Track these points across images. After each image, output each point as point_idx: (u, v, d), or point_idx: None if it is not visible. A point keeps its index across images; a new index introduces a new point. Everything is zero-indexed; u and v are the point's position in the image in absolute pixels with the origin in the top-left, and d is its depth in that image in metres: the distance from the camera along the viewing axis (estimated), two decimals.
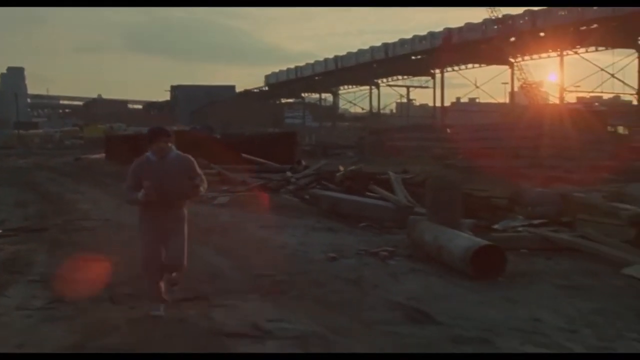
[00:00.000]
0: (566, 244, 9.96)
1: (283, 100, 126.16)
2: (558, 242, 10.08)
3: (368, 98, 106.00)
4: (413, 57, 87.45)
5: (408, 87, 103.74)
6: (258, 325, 6.33)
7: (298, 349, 5.66)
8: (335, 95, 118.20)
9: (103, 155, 42.36)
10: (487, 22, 73.52)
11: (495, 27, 72.13)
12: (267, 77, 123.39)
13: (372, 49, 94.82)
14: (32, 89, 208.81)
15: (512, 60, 76.35)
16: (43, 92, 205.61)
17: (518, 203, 13.50)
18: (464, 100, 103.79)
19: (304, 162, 22.60)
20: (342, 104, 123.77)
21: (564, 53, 71.09)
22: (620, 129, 44.80)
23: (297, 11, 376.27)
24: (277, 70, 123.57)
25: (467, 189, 15.17)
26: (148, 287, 6.77)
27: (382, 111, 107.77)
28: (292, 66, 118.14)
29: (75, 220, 13.90)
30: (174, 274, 6.82)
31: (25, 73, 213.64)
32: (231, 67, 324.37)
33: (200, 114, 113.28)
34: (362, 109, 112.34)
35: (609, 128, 43.79)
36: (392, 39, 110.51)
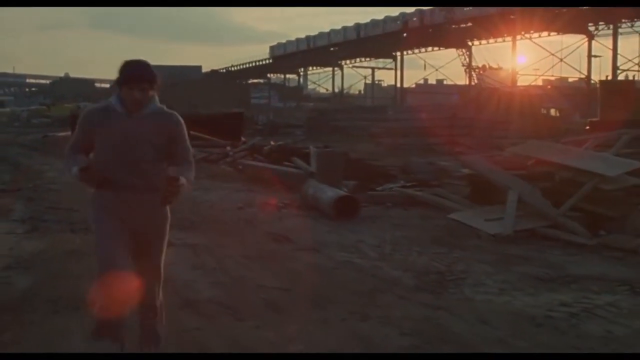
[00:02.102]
0: (419, 198, 13.19)
1: (250, 81, 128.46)
2: (413, 197, 13.31)
3: (335, 78, 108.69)
4: (378, 40, 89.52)
5: (373, 69, 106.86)
6: (170, 241, 9.48)
7: (191, 253, 8.80)
8: (302, 76, 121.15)
9: (69, 132, 45.10)
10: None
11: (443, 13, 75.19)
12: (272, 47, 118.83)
13: (345, 29, 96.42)
14: None
15: (470, 44, 79.61)
16: (9, 70, 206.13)
17: (406, 172, 16.77)
18: (431, 81, 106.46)
19: (243, 139, 25.66)
20: (310, 85, 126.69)
21: (517, 38, 74.49)
22: (552, 111, 48.32)
23: None
24: (242, 50, 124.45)
25: (369, 160, 18.44)
26: (98, 311, 4.28)
27: (350, 92, 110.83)
28: (274, 43, 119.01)
29: (43, 184, 16.90)
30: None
31: None
32: (198, 46, 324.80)
33: (167, 93, 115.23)
34: (326, 89, 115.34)
35: (542, 110, 47.44)
36: (363, 19, 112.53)
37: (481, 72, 74.72)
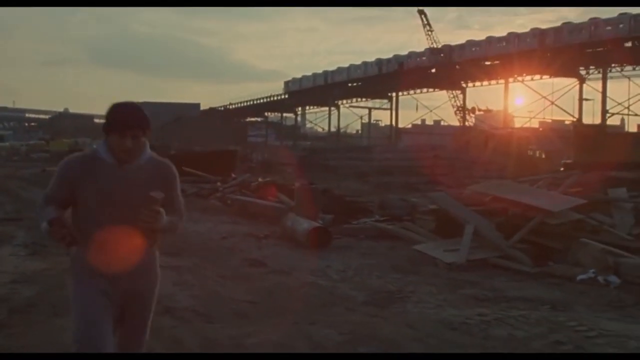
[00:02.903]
0: (388, 231, 14.38)
1: (248, 119, 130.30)
2: (384, 230, 14.49)
3: (332, 117, 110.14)
4: (373, 81, 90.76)
5: (370, 109, 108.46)
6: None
7: (174, 273, 9.95)
8: (299, 115, 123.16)
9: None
10: (431, 50, 78.20)
11: (442, 55, 76.95)
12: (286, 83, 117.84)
13: (349, 68, 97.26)
14: None
15: (464, 85, 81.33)
16: (9, 104, 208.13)
17: (382, 207, 17.96)
18: (429, 122, 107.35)
19: (233, 175, 26.90)
20: (308, 124, 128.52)
21: (509, 80, 76.19)
22: (538, 153, 49.78)
23: (265, 28, 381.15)
24: (241, 88, 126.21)
25: (351, 197, 19.67)
26: None
27: (347, 131, 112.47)
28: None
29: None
30: None
31: None
32: (198, 83, 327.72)
33: (165, 131, 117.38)
34: (322, 129, 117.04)
35: (529, 152, 48.90)
36: (356, 60, 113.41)
37: (471, 114, 76.33)
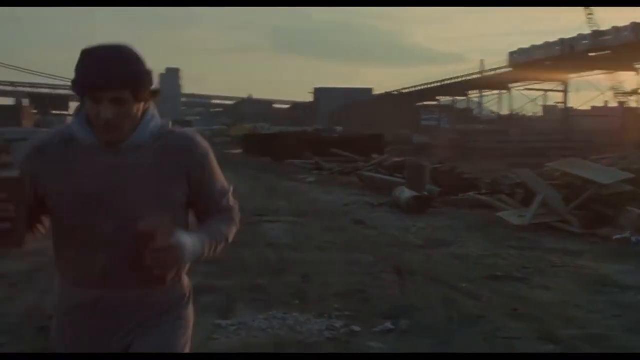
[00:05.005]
0: (484, 202, 17.01)
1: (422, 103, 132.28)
2: (481, 201, 17.14)
3: (509, 100, 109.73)
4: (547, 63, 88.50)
5: (545, 91, 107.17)
6: (279, 220, 14.01)
7: (289, 226, 13.23)
8: (473, 98, 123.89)
9: (241, 150, 51.74)
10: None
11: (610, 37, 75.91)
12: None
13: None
14: (187, 89, 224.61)
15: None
16: (197, 91, 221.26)
17: (492, 183, 20.53)
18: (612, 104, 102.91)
19: (374, 156, 30.04)
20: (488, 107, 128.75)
21: None
22: None
23: (435, 12, 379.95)
24: (416, 71, 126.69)
25: (468, 174, 22.31)
26: None
27: (525, 114, 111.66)
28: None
29: None
30: None
31: (181, 74, 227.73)
32: (374, 67, 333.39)
33: (339, 115, 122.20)
34: (492, 112, 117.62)
35: None
36: (538, 41, 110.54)
37: (629, 96, 75.15)
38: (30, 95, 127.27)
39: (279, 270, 8.93)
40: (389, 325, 6.42)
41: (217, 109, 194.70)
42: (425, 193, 17.11)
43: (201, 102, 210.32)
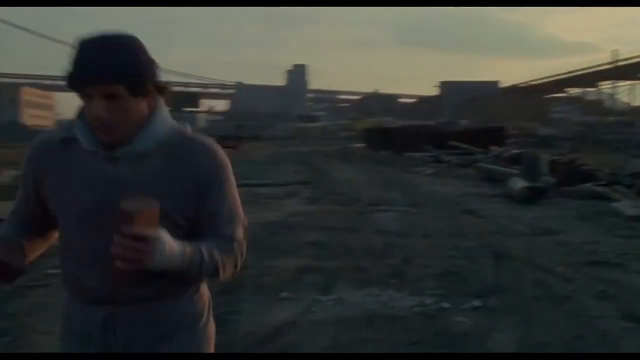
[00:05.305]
0: (600, 193, 16.92)
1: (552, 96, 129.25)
2: (597, 192, 17.04)
3: None
4: None
5: None
6: (390, 210, 14.50)
7: (401, 215, 13.68)
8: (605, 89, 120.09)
9: (363, 144, 52.53)
10: None
11: None
12: None
13: None
14: (313, 85, 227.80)
15: None
16: (323, 87, 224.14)
17: (612, 174, 20.28)
18: None
19: (493, 148, 29.95)
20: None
21: None
22: None
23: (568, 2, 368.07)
24: (547, 63, 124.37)
25: (587, 165, 22.08)
26: None
27: None
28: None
29: (333, 180, 22.76)
30: None
31: (308, 69, 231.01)
32: (501, 60, 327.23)
33: (465, 109, 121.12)
34: (624, 103, 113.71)
35: None
36: None
37: None
38: None
39: (382, 254, 9.44)
40: (477, 303, 6.81)
41: (344, 104, 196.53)
42: (540, 184, 17.16)
43: (328, 98, 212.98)
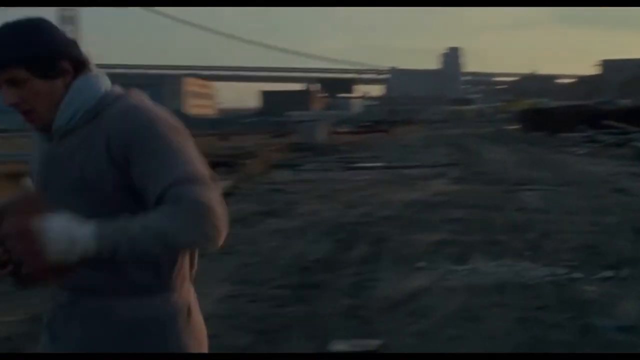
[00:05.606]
0: None
1: None
2: None
3: None
4: None
5: None
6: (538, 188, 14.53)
7: (546, 193, 13.69)
8: None
9: (517, 126, 51.76)
10: None
11: None
12: None
13: None
14: (469, 67, 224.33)
15: None
16: (479, 69, 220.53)
17: None
18: None
19: None
20: None
21: None
22: None
23: None
24: None
25: None
26: None
27: None
28: None
29: (481, 160, 22.81)
30: None
31: (462, 52, 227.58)
32: None
33: (628, 87, 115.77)
34: None
35: None
36: None
37: None
38: (320, 80, 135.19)
39: (521, 229, 9.66)
40: (609, 273, 6.97)
41: (500, 86, 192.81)
42: None
43: (483, 80, 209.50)
